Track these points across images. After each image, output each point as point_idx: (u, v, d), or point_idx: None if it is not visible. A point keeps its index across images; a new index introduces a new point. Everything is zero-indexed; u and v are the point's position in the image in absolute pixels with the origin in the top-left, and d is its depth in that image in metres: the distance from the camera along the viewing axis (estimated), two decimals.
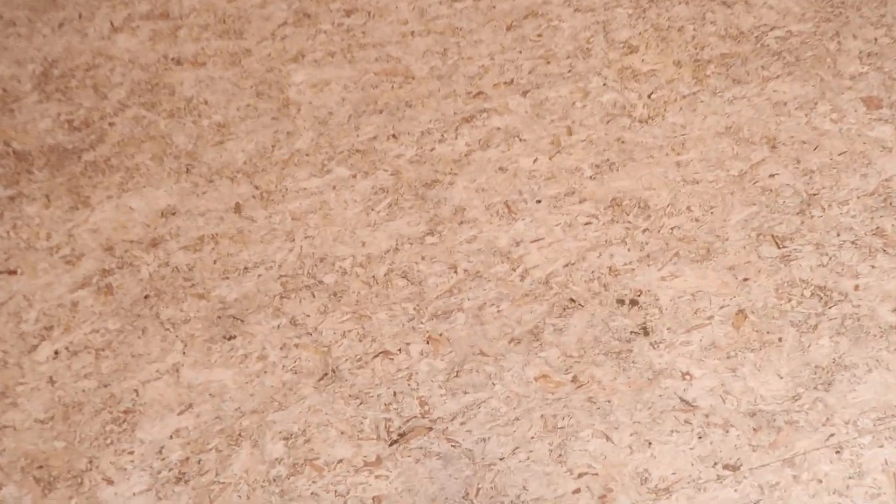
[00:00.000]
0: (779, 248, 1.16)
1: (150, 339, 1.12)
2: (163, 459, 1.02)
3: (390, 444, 1.02)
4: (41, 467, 1.02)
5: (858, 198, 1.20)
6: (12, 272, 1.17)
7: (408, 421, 1.04)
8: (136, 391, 1.08)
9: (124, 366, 1.10)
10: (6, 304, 1.15)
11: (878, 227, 1.17)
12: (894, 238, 1.15)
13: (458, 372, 1.07)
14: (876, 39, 1.38)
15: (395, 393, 1.06)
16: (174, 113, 1.31)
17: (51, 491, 1.01)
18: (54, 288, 1.16)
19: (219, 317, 1.13)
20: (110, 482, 1.01)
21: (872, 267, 1.13)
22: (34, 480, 1.01)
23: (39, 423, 1.06)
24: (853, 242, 1.15)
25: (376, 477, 0.99)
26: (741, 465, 0.97)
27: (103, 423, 1.05)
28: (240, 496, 0.99)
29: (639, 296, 1.12)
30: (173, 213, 1.21)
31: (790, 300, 1.11)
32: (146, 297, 1.15)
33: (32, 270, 1.17)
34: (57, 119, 1.31)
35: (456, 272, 1.15)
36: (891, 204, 1.19)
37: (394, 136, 1.29)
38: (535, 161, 1.26)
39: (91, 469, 1.02)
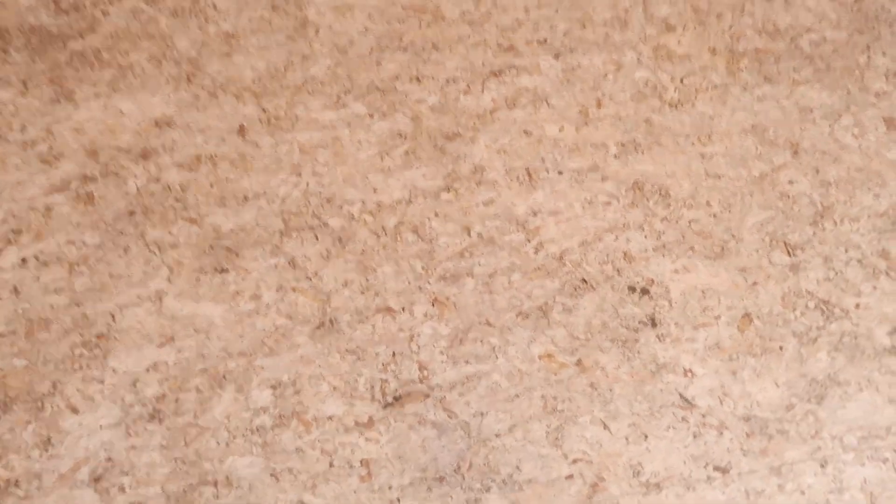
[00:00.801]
0: (790, 255, 1.16)
1: (133, 259, 1.02)
2: (136, 393, 0.95)
3: (384, 407, 0.97)
4: None
5: (869, 217, 1.21)
6: None
7: (405, 384, 0.99)
8: (112, 315, 0.98)
9: (101, 286, 1.00)
10: None
11: (884, 249, 1.18)
12: None
13: (461, 340, 1.03)
14: None
15: (394, 353, 1.01)
16: (178, 12, 1.18)
17: (5, 412, 0.92)
18: (26, 187, 1.04)
19: (211, 246, 1.04)
20: (75, 411, 0.93)
21: (874, 288, 1.14)
22: None
23: None
24: (859, 261, 1.16)
25: (367, 439, 0.95)
26: (731, 468, 0.98)
27: (72, 345, 0.96)
28: (218, 443, 0.93)
29: (651, 285, 1.10)
30: (169, 125, 1.10)
31: (795, 310, 1.11)
32: (131, 213, 1.04)
33: (2, 164, 1.05)
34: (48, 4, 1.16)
35: (469, 235, 1.10)
36: None
37: (417, 78, 1.20)
38: (561, 129, 1.20)
39: (54, 394, 0.93)
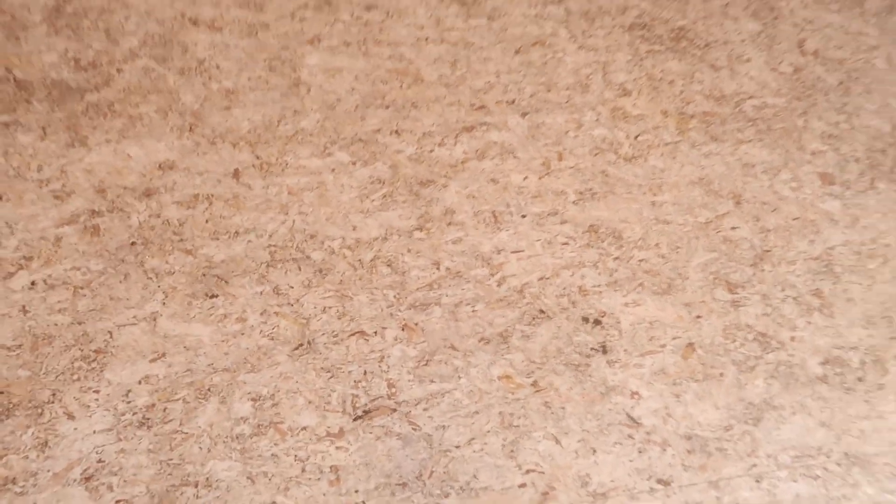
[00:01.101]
0: (731, 293, 1.27)
1: (132, 285, 1.13)
2: (128, 402, 1.04)
3: (354, 419, 1.06)
4: (1, 393, 1.02)
5: (804, 260, 1.33)
6: None
7: (374, 400, 1.08)
8: (110, 333, 1.09)
9: (101, 307, 1.11)
10: None
11: (817, 289, 1.29)
12: (829, 300, 1.28)
13: (427, 361, 1.13)
14: (837, 124, 1.53)
15: (365, 372, 1.11)
16: (184, 71, 1.34)
17: (8, 417, 1.01)
18: (39, 220, 1.16)
19: (203, 274, 1.15)
20: (71, 417, 1.02)
21: (808, 322, 1.25)
22: None
23: (6, 349, 1.06)
24: (795, 298, 1.27)
25: (337, 448, 1.04)
26: (672, 481, 1.06)
27: (72, 359, 1.06)
28: (200, 448, 1.01)
29: (602, 317, 1.21)
30: (171, 168, 1.23)
31: (735, 341, 1.21)
32: (133, 243, 1.16)
33: (19, 199, 1.17)
34: (64, 55, 1.32)
35: (438, 269, 1.21)
36: (831, 270, 1.32)
37: (397, 132, 1.34)
38: (525, 178, 1.34)
39: (53, 402, 1.03)
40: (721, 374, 1.18)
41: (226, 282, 1.15)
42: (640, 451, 1.08)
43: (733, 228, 1.35)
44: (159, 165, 1.23)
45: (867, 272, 1.32)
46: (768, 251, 1.33)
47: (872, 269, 1.33)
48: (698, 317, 1.23)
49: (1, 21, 1.27)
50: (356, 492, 0.99)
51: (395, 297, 1.18)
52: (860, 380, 1.20)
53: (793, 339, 1.23)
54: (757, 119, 1.51)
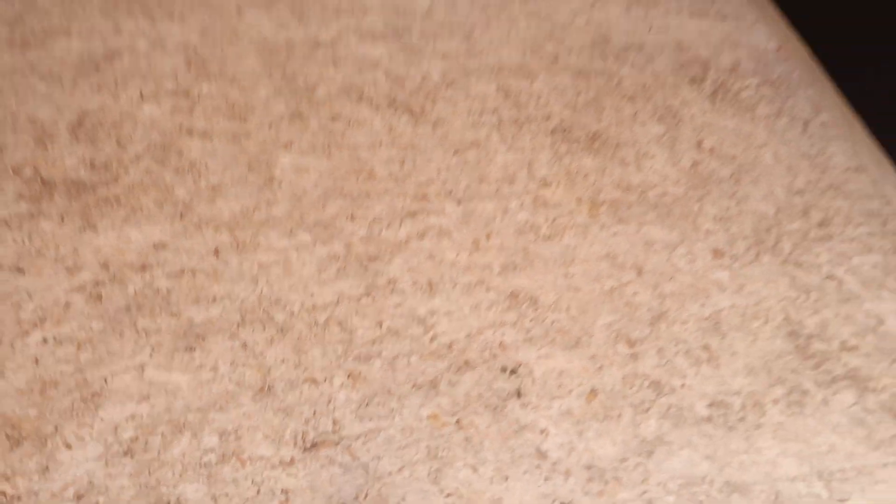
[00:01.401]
0: (630, 348, 1.50)
1: (125, 341, 1.37)
2: (116, 436, 1.25)
3: (304, 451, 1.27)
4: (14, 427, 1.24)
5: (696, 320, 1.57)
6: (20, 270, 1.43)
7: (321, 434, 1.30)
8: (105, 379, 1.32)
9: (99, 359, 1.34)
10: (10, 296, 1.40)
11: (706, 344, 1.52)
12: (716, 353, 1.51)
13: (368, 403, 1.35)
14: (728, 208, 1.81)
15: (315, 412, 1.33)
16: (179, 170, 1.63)
17: (18, 447, 1.22)
18: (53, 289, 1.42)
19: (185, 332, 1.40)
20: (69, 447, 1.23)
21: (697, 372, 1.47)
22: (6, 437, 1.23)
23: (19, 392, 1.29)
24: (686, 352, 1.50)
25: (288, 474, 1.24)
26: (573, 503, 1.26)
27: (73, 400, 1.29)
28: (173, 473, 1.22)
29: (518, 367, 1.44)
30: (163, 247, 1.50)
31: (632, 387, 1.44)
32: (128, 308, 1.41)
33: (38, 273, 1.44)
34: (82, 159, 1.62)
35: (381, 328, 1.46)
36: (719, 328, 1.56)
37: (352, 217, 1.62)
38: (457, 255, 1.60)
39: (55, 435, 1.24)
40: (619, 415, 1.39)
41: (203, 338, 1.39)
42: (546, 479, 1.29)
43: (634, 294, 1.60)
44: (154, 246, 1.50)
45: (750, 330, 1.56)
46: (664, 313, 1.57)
47: (755, 328, 1.57)
48: (601, 367, 1.46)
49: (33, 132, 1.58)
50: None
51: (343, 350, 1.41)
52: (741, 420, 1.41)
53: (683, 385, 1.45)
54: (658, 204, 1.80)
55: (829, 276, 1.70)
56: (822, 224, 1.82)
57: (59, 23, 1.85)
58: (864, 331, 1.59)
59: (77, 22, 1.87)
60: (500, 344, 1.47)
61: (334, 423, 1.31)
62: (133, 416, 1.28)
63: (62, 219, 1.51)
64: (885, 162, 2.05)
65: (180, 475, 1.22)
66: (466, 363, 1.43)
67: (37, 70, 1.75)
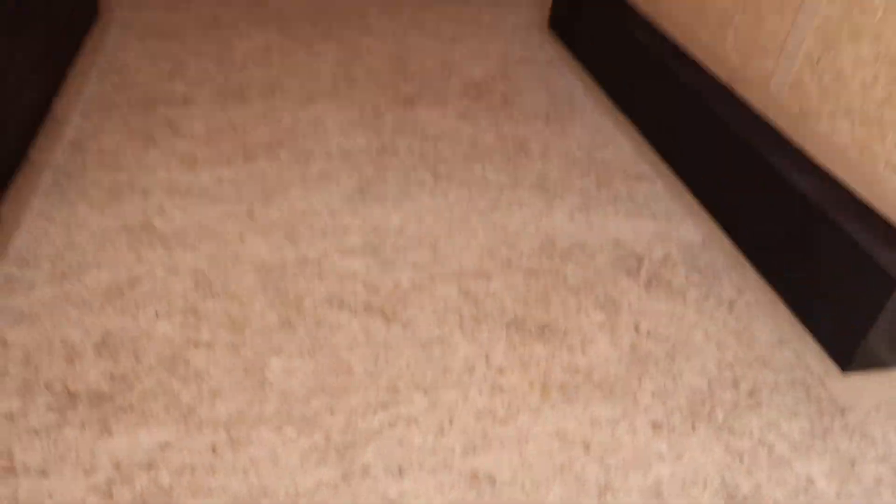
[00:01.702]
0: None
1: None
2: None
3: None
4: None
5: (639, 490, 1.75)
6: (44, 473, 1.67)
7: None
8: None
9: None
10: (34, 497, 1.62)
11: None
12: None
13: None
14: (665, 384, 2.06)
15: None
16: (185, 378, 1.92)
17: None
18: (72, 490, 1.64)
19: None
20: None
21: None
22: None
23: None
24: None
25: None
26: None
27: None
28: None
29: None
30: (168, 447, 1.75)
31: None
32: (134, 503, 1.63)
33: (59, 475, 1.67)
34: (103, 372, 1.91)
35: None
36: (660, 496, 1.74)
37: (332, 411, 1.88)
38: (424, 440, 1.83)
39: None
40: None
41: None
42: None
43: (583, 468, 1.80)
44: (160, 446, 1.75)
45: (690, 496, 1.74)
46: (609, 483, 1.76)
47: (694, 494, 1.75)
48: None
49: (64, 352, 1.89)
50: None
51: None
52: None
53: None
54: (602, 384, 2.05)
55: (761, 441, 1.91)
56: (752, 393, 2.07)
57: (93, 258, 2.24)
58: (795, 491, 1.78)
59: (106, 255, 2.27)
60: None
61: None
62: None
63: (83, 426, 1.77)
64: (805, 335, 2.34)
65: None
66: None
67: (70, 298, 2.10)
